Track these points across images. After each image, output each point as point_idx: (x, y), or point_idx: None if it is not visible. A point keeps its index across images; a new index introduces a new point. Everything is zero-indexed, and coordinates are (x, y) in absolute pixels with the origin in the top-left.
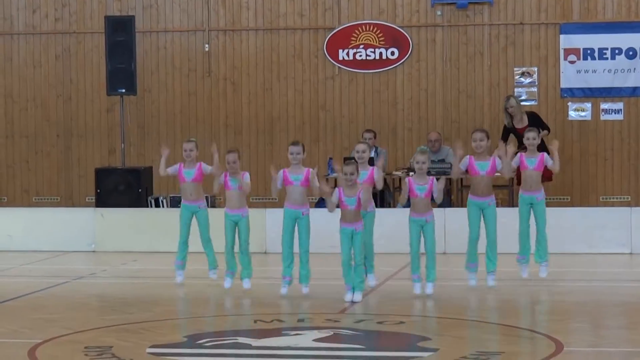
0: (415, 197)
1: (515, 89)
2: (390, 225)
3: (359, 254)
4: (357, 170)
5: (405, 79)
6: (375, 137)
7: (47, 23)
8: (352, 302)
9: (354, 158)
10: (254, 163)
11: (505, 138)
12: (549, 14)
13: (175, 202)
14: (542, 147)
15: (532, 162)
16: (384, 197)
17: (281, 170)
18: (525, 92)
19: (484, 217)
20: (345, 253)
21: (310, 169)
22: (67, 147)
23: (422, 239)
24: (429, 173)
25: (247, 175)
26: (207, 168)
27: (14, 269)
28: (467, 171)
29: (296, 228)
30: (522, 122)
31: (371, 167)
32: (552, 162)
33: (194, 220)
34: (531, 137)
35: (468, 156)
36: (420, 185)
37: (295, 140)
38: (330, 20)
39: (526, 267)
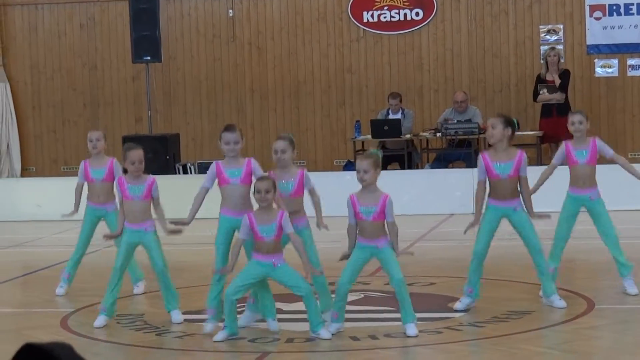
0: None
1: (541, 47)
2: (419, 187)
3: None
4: (274, 187)
5: (431, 40)
6: (400, 101)
7: None
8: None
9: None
10: (280, 127)
11: (535, 89)
12: None
13: (203, 169)
14: (565, 108)
15: (581, 154)
16: (411, 159)
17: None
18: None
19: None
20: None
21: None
22: (94, 116)
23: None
24: (456, 133)
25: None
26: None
27: (45, 239)
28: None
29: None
30: (552, 75)
31: (299, 171)
32: (613, 153)
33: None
34: (577, 121)
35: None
36: (366, 207)
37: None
38: None
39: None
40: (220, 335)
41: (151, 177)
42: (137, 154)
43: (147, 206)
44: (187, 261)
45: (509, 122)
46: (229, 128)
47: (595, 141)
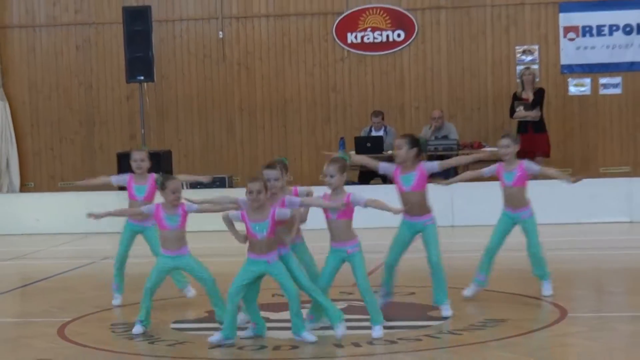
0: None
1: (517, 67)
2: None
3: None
4: (266, 188)
5: (412, 60)
6: (383, 119)
7: (67, 15)
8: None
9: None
10: (268, 144)
11: (512, 106)
12: None
13: (194, 184)
14: (540, 125)
15: (510, 175)
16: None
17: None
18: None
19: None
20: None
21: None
22: (89, 134)
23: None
24: (435, 149)
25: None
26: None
27: (43, 251)
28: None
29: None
30: (527, 93)
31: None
32: (540, 169)
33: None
34: (504, 145)
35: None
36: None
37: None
38: (339, 5)
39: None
40: (215, 337)
41: (180, 204)
42: (176, 184)
43: (182, 234)
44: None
45: (414, 143)
46: (268, 166)
47: (522, 164)
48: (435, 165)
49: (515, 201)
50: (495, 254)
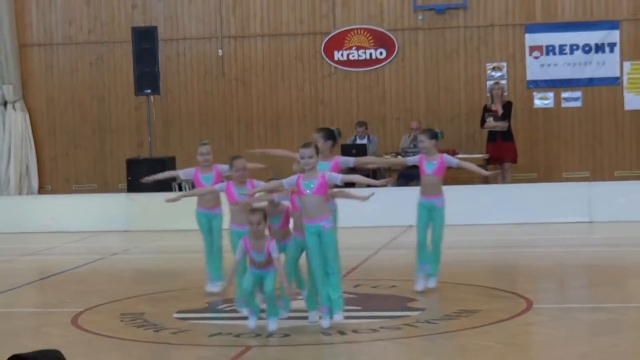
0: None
1: (487, 82)
2: (382, 203)
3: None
4: (265, 219)
5: (393, 76)
6: (366, 128)
7: (82, 34)
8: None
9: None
10: None
11: (482, 117)
12: (515, 16)
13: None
14: (508, 135)
15: (430, 165)
16: (376, 177)
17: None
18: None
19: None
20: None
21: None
22: (101, 142)
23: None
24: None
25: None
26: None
27: (58, 248)
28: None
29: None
30: (497, 105)
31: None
32: (458, 162)
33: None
34: (420, 141)
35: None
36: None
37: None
38: (327, 26)
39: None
40: (252, 322)
41: (248, 180)
42: (241, 162)
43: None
44: (182, 267)
45: (329, 136)
46: (305, 145)
47: (442, 157)
48: (351, 161)
49: (433, 189)
50: (426, 243)
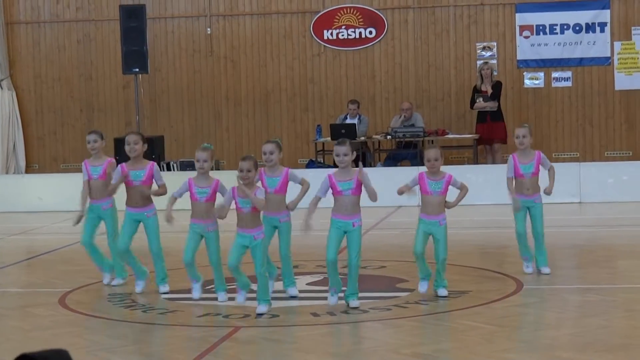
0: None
1: (477, 62)
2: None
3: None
4: (256, 167)
5: (382, 55)
6: (358, 107)
7: (69, 12)
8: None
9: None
10: (252, 131)
11: (472, 98)
12: None
13: (184, 166)
14: (498, 115)
15: (437, 185)
16: (365, 158)
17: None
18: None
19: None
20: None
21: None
22: (89, 120)
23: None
24: (404, 136)
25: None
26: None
27: (45, 227)
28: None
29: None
30: (486, 86)
31: (284, 170)
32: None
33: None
34: (432, 158)
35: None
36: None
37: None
38: (316, 4)
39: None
40: (241, 297)
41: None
42: (243, 165)
43: (256, 215)
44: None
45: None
46: (340, 142)
47: (450, 177)
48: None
49: (435, 208)
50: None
